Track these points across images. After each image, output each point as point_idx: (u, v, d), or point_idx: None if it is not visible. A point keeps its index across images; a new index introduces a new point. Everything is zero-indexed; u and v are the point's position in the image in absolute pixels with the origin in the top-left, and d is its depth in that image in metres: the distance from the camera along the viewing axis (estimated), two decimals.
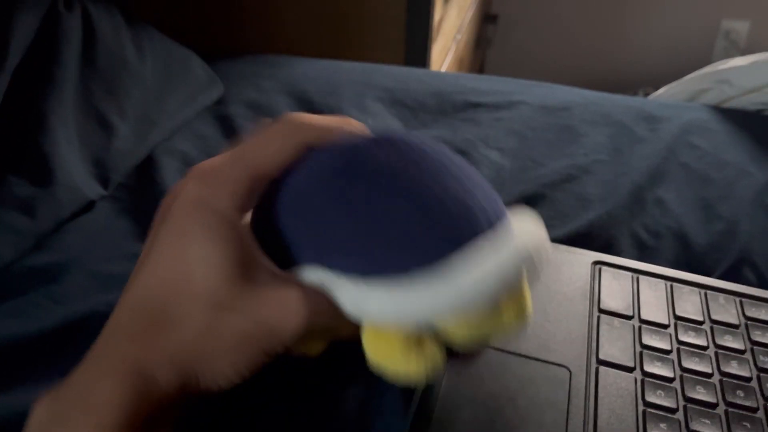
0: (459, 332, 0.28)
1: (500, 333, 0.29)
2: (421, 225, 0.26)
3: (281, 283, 0.27)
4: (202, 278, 0.25)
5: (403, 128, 0.59)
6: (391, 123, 0.60)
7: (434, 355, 0.28)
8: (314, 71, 0.71)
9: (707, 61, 1.81)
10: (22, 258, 0.42)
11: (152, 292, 0.25)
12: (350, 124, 0.30)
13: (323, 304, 0.27)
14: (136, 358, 0.24)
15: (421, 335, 0.28)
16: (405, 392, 0.33)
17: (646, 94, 1.73)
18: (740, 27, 1.80)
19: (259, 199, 0.29)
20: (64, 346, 0.35)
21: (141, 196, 0.50)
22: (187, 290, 0.25)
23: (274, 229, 0.28)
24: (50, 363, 0.34)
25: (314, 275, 0.28)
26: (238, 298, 0.25)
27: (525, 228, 0.29)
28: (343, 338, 0.30)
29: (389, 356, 0.28)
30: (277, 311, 0.26)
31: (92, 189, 0.49)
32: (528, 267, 0.27)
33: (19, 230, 0.43)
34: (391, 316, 0.27)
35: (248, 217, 0.30)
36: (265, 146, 0.28)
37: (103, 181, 0.50)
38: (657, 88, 1.62)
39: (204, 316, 0.25)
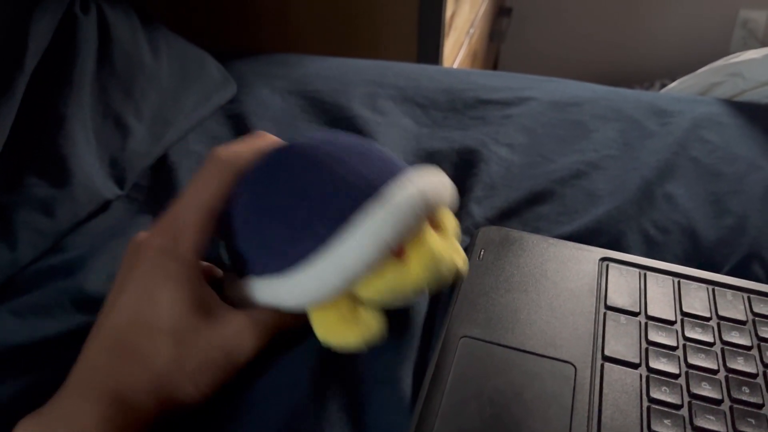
0: (371, 293, 0.32)
1: (414, 285, 0.32)
2: (304, 217, 0.32)
3: (231, 312, 0.32)
4: (167, 318, 0.30)
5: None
6: (401, 121, 0.61)
7: (370, 322, 0.32)
8: (326, 70, 0.71)
9: (725, 51, 1.78)
10: (41, 257, 0.44)
11: (124, 331, 0.30)
12: (260, 137, 0.36)
13: (267, 316, 0.33)
14: (116, 389, 0.28)
15: (354, 307, 0.33)
16: (411, 387, 0.34)
17: (663, 86, 1.71)
18: (758, 16, 1.77)
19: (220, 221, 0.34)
20: (75, 349, 0.36)
21: (156, 196, 0.51)
22: (154, 328, 0.30)
23: (228, 248, 0.35)
24: (59, 363, 0.35)
25: (249, 281, 0.34)
26: (197, 331, 0.30)
27: (409, 185, 0.32)
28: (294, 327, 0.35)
29: (329, 331, 0.33)
30: (230, 336, 0.31)
31: (109, 189, 0.50)
32: (408, 218, 0.31)
33: (39, 230, 0.44)
34: (296, 303, 0.32)
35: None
36: (204, 187, 0.33)
37: (119, 181, 0.51)
38: (674, 80, 1.61)
39: (169, 349, 0.29)
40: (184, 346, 0.30)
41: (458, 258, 0.35)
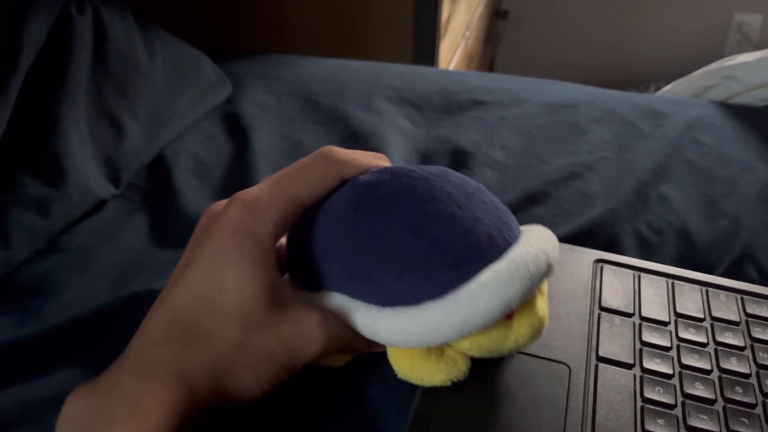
0: (471, 347, 0.30)
1: (513, 345, 0.31)
2: (428, 256, 0.29)
3: (304, 308, 0.29)
4: (236, 299, 0.27)
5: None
6: (397, 121, 0.61)
7: (456, 361, 0.31)
8: (322, 71, 0.71)
9: (720, 55, 1.79)
10: (35, 257, 0.44)
11: (190, 306, 0.28)
12: (382, 160, 0.33)
13: (340, 327, 0.30)
14: (180, 370, 0.26)
15: (441, 347, 0.31)
16: (405, 388, 0.33)
17: (658, 89, 1.72)
18: (753, 20, 1.78)
19: (294, 225, 0.32)
20: (67, 345, 0.36)
21: (151, 196, 0.51)
22: (222, 308, 0.27)
23: (303, 254, 0.32)
24: (52, 361, 0.35)
25: (335, 299, 0.31)
26: (265, 319, 0.28)
27: (532, 246, 0.30)
28: (360, 352, 0.33)
29: (412, 368, 0.31)
30: (299, 333, 0.28)
31: (104, 188, 0.50)
32: (533, 283, 0.29)
33: (33, 229, 0.44)
34: (399, 341, 0.29)
35: (283, 240, 0.33)
36: (304, 178, 0.30)
37: (114, 180, 0.51)
38: (669, 83, 1.62)
39: (236, 333, 0.27)
40: (252, 334, 0.27)
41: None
